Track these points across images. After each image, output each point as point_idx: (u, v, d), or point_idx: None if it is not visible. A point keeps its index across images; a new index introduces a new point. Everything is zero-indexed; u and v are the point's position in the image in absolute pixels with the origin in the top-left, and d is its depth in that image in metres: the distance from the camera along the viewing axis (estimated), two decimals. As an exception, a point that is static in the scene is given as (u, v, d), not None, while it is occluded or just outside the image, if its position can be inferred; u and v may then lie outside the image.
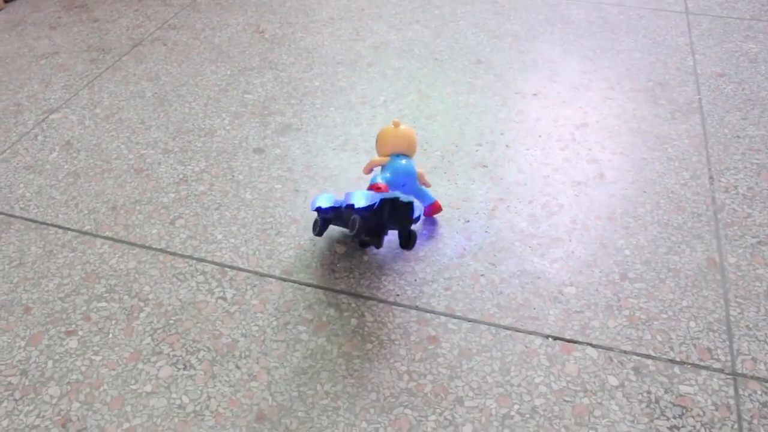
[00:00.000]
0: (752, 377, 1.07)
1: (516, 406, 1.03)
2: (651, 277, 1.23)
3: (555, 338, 1.13)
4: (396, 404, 1.03)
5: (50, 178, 1.49)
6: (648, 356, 1.10)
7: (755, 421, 1.01)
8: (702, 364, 1.09)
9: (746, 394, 1.04)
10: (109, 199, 1.43)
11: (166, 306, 1.20)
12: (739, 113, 1.63)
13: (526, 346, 1.12)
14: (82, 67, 1.88)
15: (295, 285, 1.23)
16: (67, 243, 1.33)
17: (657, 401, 1.04)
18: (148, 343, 1.14)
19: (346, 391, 1.06)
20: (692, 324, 1.15)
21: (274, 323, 1.16)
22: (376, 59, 1.88)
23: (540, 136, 1.57)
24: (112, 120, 1.67)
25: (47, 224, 1.38)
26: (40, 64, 1.90)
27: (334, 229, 1.34)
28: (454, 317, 1.16)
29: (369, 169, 1.30)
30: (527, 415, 1.02)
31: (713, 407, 1.03)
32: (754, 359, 1.09)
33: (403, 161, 1.27)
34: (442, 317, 1.16)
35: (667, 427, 1.00)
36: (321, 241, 1.30)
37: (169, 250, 1.31)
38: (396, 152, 1.29)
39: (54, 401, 1.05)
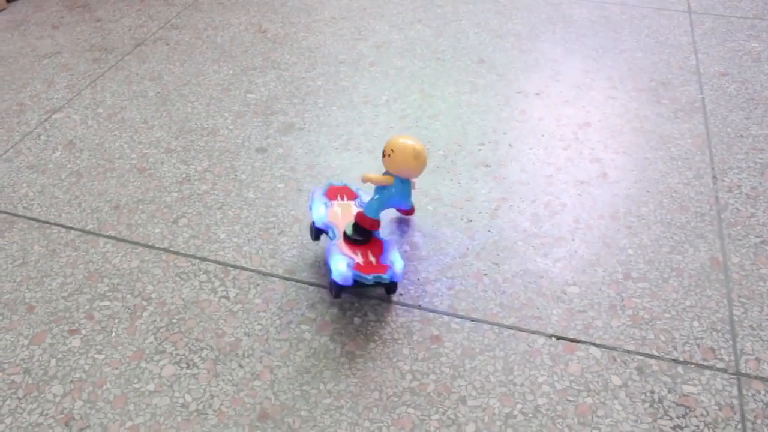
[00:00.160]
0: (756, 377, 1.07)
1: (519, 406, 1.03)
2: (654, 276, 1.23)
3: (558, 338, 1.13)
4: (399, 403, 1.03)
5: (53, 178, 1.49)
6: (651, 356, 1.10)
7: (759, 421, 1.01)
8: (705, 363, 1.09)
9: (750, 394, 1.04)
10: (111, 198, 1.43)
11: (169, 305, 1.20)
12: (742, 112, 1.63)
13: (529, 346, 1.12)
14: (84, 67, 1.88)
15: (298, 284, 1.23)
16: (70, 242, 1.33)
17: (660, 401, 1.03)
18: (151, 342, 1.14)
19: (349, 390, 1.05)
20: (696, 324, 1.15)
21: (277, 322, 1.16)
22: (379, 59, 1.88)
23: (543, 136, 1.57)
24: (114, 119, 1.67)
25: (50, 223, 1.38)
26: (42, 64, 1.90)
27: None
28: (457, 316, 1.16)
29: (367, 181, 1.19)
30: (530, 415, 1.02)
31: (717, 407, 1.02)
32: (757, 359, 1.09)
33: (407, 189, 1.18)
34: (445, 316, 1.16)
35: (671, 427, 1.00)
36: (323, 241, 1.30)
37: (172, 249, 1.31)
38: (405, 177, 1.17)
39: (57, 399, 1.05)
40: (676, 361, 1.09)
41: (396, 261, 1.13)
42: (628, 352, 1.11)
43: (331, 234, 1.19)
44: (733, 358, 1.09)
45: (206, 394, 1.06)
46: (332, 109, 1.68)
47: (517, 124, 1.61)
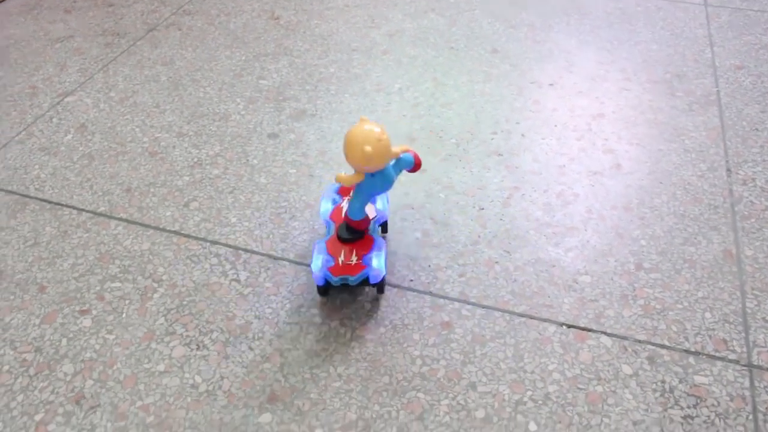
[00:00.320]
0: (768, 368, 1.06)
1: (529, 393, 1.03)
2: (667, 267, 1.22)
3: (569, 326, 1.12)
4: (409, 388, 1.03)
5: (65, 160, 1.50)
6: (663, 346, 1.09)
7: (771, 412, 1.00)
8: (717, 355, 1.08)
9: (762, 386, 1.04)
10: (123, 181, 1.43)
11: (179, 287, 1.20)
12: (757, 106, 1.62)
13: (540, 334, 1.11)
14: (97, 51, 1.88)
15: (309, 269, 1.22)
16: (82, 224, 1.33)
17: (671, 391, 1.03)
18: (162, 324, 1.14)
19: (359, 374, 1.05)
20: (708, 315, 1.14)
21: (288, 306, 1.16)
22: (392, 47, 1.87)
23: (556, 126, 1.56)
24: (126, 103, 1.67)
25: (62, 205, 1.38)
26: (55, 48, 1.91)
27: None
28: (468, 303, 1.16)
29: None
30: (540, 402, 1.01)
31: (728, 398, 1.02)
32: (770, 351, 1.09)
33: (385, 177, 1.12)
34: (455, 303, 1.16)
35: (681, 417, 0.99)
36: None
37: (183, 232, 1.31)
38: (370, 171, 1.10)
39: (68, 378, 1.06)
40: (687, 351, 1.08)
41: (373, 260, 1.10)
42: (640, 341, 1.10)
43: (328, 231, 1.18)
44: (745, 349, 1.09)
45: (216, 375, 1.06)
46: (344, 96, 1.67)
47: (530, 114, 1.60)
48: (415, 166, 1.14)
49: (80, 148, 1.53)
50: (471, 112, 1.61)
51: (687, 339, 1.10)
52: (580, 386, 1.04)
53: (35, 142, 1.55)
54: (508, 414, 1.00)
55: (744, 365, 1.06)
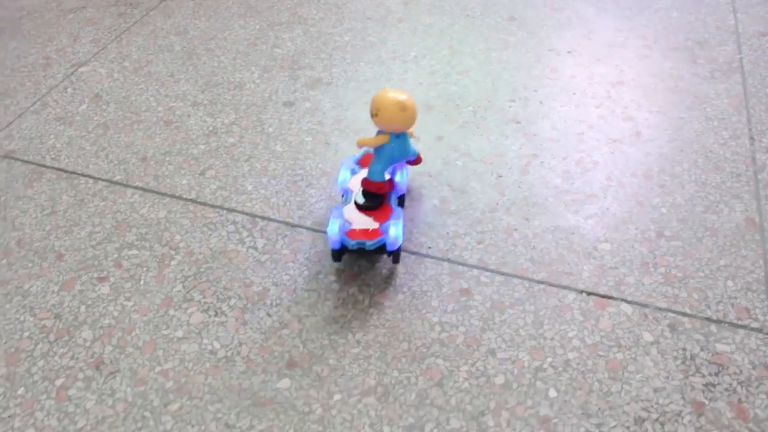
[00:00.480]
0: (792, 336, 1.05)
1: (549, 359, 1.02)
2: (688, 235, 1.21)
3: (589, 293, 1.11)
4: (428, 354, 1.03)
5: (80, 130, 1.49)
6: (684, 314, 1.08)
7: (794, 379, 0.99)
8: (739, 323, 1.07)
9: (785, 353, 1.02)
10: (138, 150, 1.43)
11: (197, 254, 1.19)
12: (780, 73, 1.59)
13: (560, 301, 1.10)
14: (110, 21, 1.87)
15: (326, 236, 1.21)
16: (98, 192, 1.33)
17: (693, 358, 1.02)
18: (179, 290, 1.13)
19: (378, 340, 1.05)
20: (730, 283, 1.13)
21: (306, 273, 1.15)
22: (407, 15, 1.84)
23: (574, 94, 1.54)
24: (140, 73, 1.66)
25: (78, 174, 1.37)
26: (68, 18, 1.89)
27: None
28: (487, 270, 1.15)
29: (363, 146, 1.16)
30: (560, 368, 1.01)
31: (750, 366, 1.01)
32: (793, 318, 1.07)
33: (405, 142, 1.16)
34: (474, 270, 1.15)
35: (703, 384, 0.98)
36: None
37: (199, 200, 1.30)
38: (398, 131, 1.14)
39: (87, 344, 1.06)
40: (709, 319, 1.07)
41: (391, 228, 1.10)
42: (660, 309, 1.09)
43: (345, 199, 1.18)
44: (768, 317, 1.08)
45: (234, 341, 1.05)
46: (360, 64, 1.65)
47: (548, 82, 1.58)
48: (417, 159, 1.22)
49: (95, 118, 1.52)
50: (488, 79, 1.59)
51: (709, 307, 1.09)
52: (600, 353, 1.03)
53: (50, 112, 1.55)
54: (528, 380, 0.99)
55: (767, 333, 1.05)
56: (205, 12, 1.89)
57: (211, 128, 1.47)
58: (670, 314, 1.08)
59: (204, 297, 1.12)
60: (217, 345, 1.05)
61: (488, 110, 1.50)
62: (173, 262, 1.18)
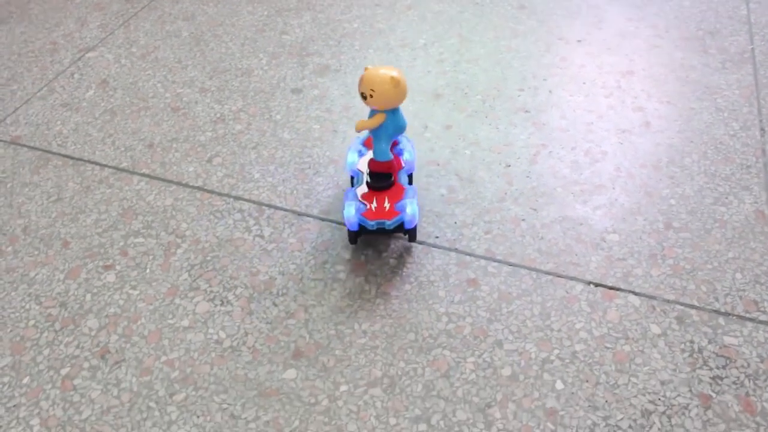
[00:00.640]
0: (801, 330, 1.04)
1: (556, 351, 1.02)
2: (696, 227, 1.20)
3: (597, 285, 1.11)
4: (434, 345, 1.02)
5: (87, 116, 1.49)
6: (692, 306, 1.07)
7: (803, 374, 0.98)
8: (748, 316, 1.06)
9: (794, 347, 1.02)
10: (145, 136, 1.42)
11: (203, 243, 1.19)
12: (793, 63, 1.57)
13: (567, 292, 1.10)
14: (117, 7, 1.86)
15: (333, 225, 1.21)
16: (104, 179, 1.33)
17: (700, 351, 1.01)
18: (185, 279, 1.13)
19: (384, 330, 1.05)
20: (738, 276, 1.12)
21: (312, 262, 1.15)
22: (416, 2, 1.83)
23: (584, 83, 1.53)
24: (148, 59, 1.65)
25: (84, 161, 1.37)
26: (75, 3, 1.89)
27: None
28: (495, 260, 1.14)
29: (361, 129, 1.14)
30: (567, 360, 1.00)
31: (758, 359, 1.00)
32: (803, 312, 1.06)
33: (399, 115, 1.14)
34: (481, 260, 1.14)
35: (710, 377, 0.98)
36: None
37: (206, 187, 1.30)
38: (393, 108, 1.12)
39: (93, 333, 1.06)
40: (717, 312, 1.07)
41: (408, 206, 1.10)
42: (668, 301, 1.08)
43: (356, 181, 1.18)
44: (777, 310, 1.07)
45: (240, 331, 1.05)
46: (368, 51, 1.64)
47: (557, 71, 1.57)
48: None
49: (102, 104, 1.52)
50: (497, 68, 1.58)
51: (717, 299, 1.08)
52: (608, 345, 1.02)
53: (57, 98, 1.54)
54: (535, 372, 0.99)
55: (775, 326, 1.05)
56: (212, -2, 1.88)
57: (218, 115, 1.47)
58: (678, 306, 1.07)
59: (210, 286, 1.12)
60: (222, 335, 1.05)
61: (497, 99, 1.48)
62: (179, 251, 1.18)
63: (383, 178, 1.15)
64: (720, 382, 0.98)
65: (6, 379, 1.00)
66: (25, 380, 1.00)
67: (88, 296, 1.12)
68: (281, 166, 1.34)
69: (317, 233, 1.20)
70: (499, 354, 1.01)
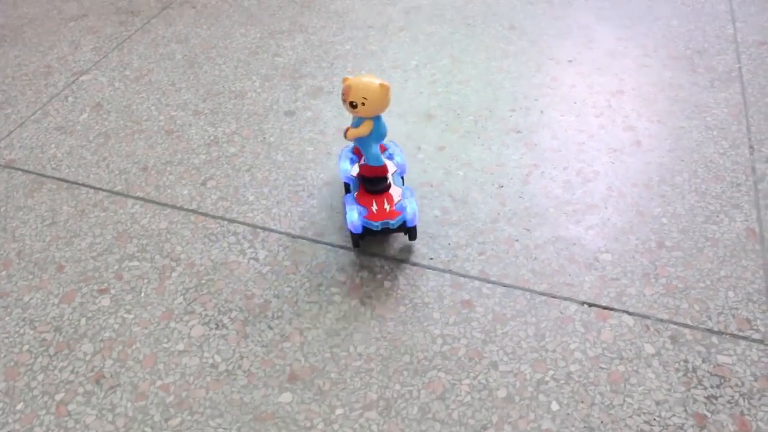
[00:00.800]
0: (793, 348, 1.05)
1: (551, 372, 1.02)
2: (688, 245, 1.21)
3: (590, 305, 1.11)
4: (430, 367, 1.03)
5: (81, 139, 1.49)
6: (685, 325, 1.08)
7: (796, 392, 0.99)
8: (741, 334, 1.07)
9: (787, 365, 1.02)
10: (139, 159, 1.43)
11: (198, 266, 1.19)
12: (780, 82, 1.59)
13: (561, 312, 1.10)
14: (111, 30, 1.87)
15: (328, 247, 1.22)
16: (99, 203, 1.33)
17: (694, 370, 1.02)
18: (180, 303, 1.13)
19: (380, 353, 1.05)
20: (731, 294, 1.13)
21: (307, 284, 1.15)
22: (408, 24, 1.85)
23: (575, 103, 1.54)
24: (141, 82, 1.66)
25: (79, 184, 1.37)
26: (69, 27, 1.90)
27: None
28: (489, 282, 1.15)
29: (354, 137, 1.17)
30: (562, 381, 1.01)
31: (752, 378, 1.01)
32: (795, 330, 1.07)
33: (381, 120, 1.17)
34: (476, 281, 1.15)
35: (705, 397, 0.98)
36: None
37: (200, 210, 1.30)
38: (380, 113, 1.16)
39: (87, 358, 1.06)
40: (710, 330, 1.07)
41: (408, 206, 1.15)
42: (662, 320, 1.09)
43: (352, 188, 1.21)
44: (769, 328, 1.07)
45: (236, 354, 1.05)
46: (361, 73, 1.66)
47: (548, 91, 1.58)
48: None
49: (96, 127, 1.52)
50: (489, 89, 1.59)
51: (710, 318, 1.09)
52: (602, 365, 1.03)
53: (51, 121, 1.55)
54: (530, 393, 0.99)
55: (768, 344, 1.05)
56: (206, 20, 1.89)
57: (212, 138, 1.47)
58: (672, 326, 1.08)
59: (205, 309, 1.12)
60: (218, 358, 1.05)
61: (489, 120, 1.50)
62: (174, 274, 1.18)
63: (380, 182, 1.19)
64: (715, 401, 0.98)
65: (0, 405, 1.00)
66: (19, 406, 1.00)
67: (83, 320, 1.11)
68: (275, 188, 1.34)
69: (312, 256, 1.20)
70: (494, 375, 1.01)
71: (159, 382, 1.02)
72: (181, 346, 1.07)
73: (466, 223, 1.26)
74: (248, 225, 1.27)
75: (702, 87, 1.58)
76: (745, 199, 1.29)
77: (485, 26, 1.83)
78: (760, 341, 1.06)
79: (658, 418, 0.96)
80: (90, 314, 1.12)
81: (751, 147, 1.41)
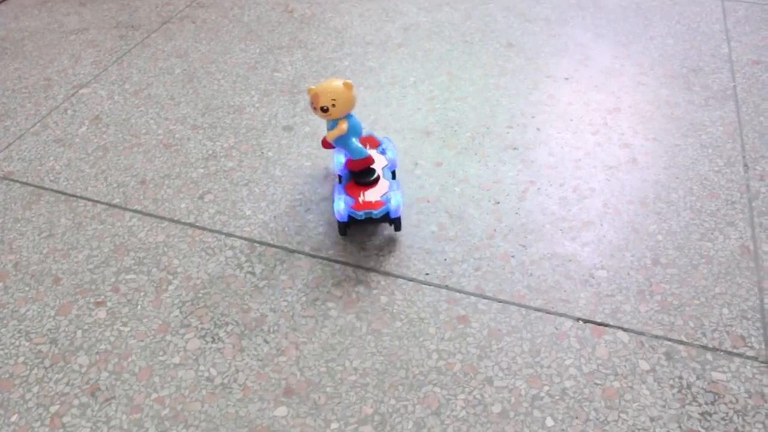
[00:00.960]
0: (787, 365, 1.05)
1: (546, 388, 1.02)
2: (683, 262, 1.21)
3: (586, 321, 1.12)
4: (425, 382, 1.03)
5: (80, 152, 1.50)
6: (680, 342, 1.08)
7: (790, 410, 0.99)
8: (735, 351, 1.07)
9: (781, 383, 1.03)
10: (138, 173, 1.43)
11: (194, 279, 1.20)
12: (775, 101, 1.60)
13: (557, 328, 1.11)
14: (111, 44, 1.89)
15: (325, 262, 1.22)
16: (97, 215, 1.33)
17: (689, 387, 1.02)
18: (177, 316, 1.14)
19: (375, 367, 1.05)
20: (725, 311, 1.13)
21: (303, 299, 1.16)
22: (406, 40, 1.86)
23: (571, 120, 1.55)
24: (141, 95, 1.67)
25: (77, 197, 1.38)
26: (69, 40, 1.91)
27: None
28: (484, 297, 1.15)
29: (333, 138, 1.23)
30: (557, 397, 1.01)
31: (746, 395, 1.01)
32: (789, 347, 1.08)
33: (355, 120, 1.24)
34: (471, 297, 1.15)
35: (699, 413, 0.99)
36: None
37: (197, 224, 1.30)
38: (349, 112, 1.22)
39: (83, 370, 1.06)
40: (705, 347, 1.08)
41: (392, 197, 1.20)
42: (657, 337, 1.09)
43: (344, 179, 1.27)
44: (763, 346, 1.08)
45: (231, 368, 1.05)
46: (359, 89, 1.67)
47: (545, 108, 1.59)
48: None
49: (95, 140, 1.53)
50: (486, 105, 1.60)
51: (704, 335, 1.09)
52: (597, 381, 1.03)
53: (50, 133, 1.55)
54: (525, 409, 0.99)
55: (762, 362, 1.05)
56: (205, 35, 1.91)
57: (210, 152, 1.48)
58: (666, 342, 1.08)
59: (201, 323, 1.12)
60: (213, 372, 1.05)
61: (486, 136, 1.51)
62: (171, 287, 1.18)
63: (368, 174, 1.25)
64: (709, 418, 0.98)
65: (-5, 418, 1.00)
66: (14, 418, 1.00)
67: (79, 333, 1.12)
68: (273, 203, 1.35)
69: (308, 270, 1.21)
70: (490, 391, 1.02)
71: (154, 395, 1.02)
72: (176, 359, 1.07)
73: (463, 238, 1.26)
74: (245, 239, 1.27)
75: (697, 105, 1.59)
76: (739, 216, 1.30)
77: (483, 43, 1.84)
78: (755, 358, 1.06)
79: (652, 435, 0.96)
80: (86, 326, 1.12)
81: (745, 165, 1.42)
